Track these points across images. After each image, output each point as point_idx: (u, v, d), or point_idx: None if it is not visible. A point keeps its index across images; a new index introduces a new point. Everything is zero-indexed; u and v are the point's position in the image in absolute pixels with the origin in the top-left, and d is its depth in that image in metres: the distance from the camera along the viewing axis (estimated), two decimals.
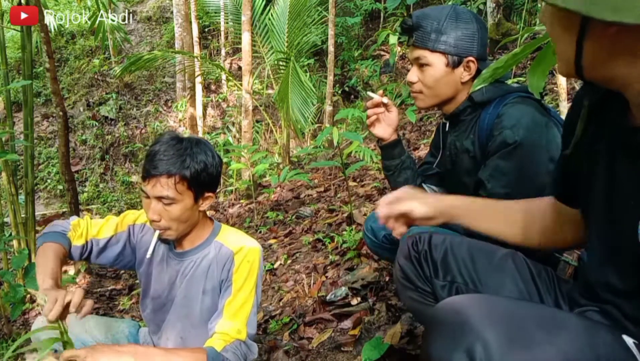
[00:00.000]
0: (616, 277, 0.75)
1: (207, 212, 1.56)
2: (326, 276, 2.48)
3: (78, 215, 3.60)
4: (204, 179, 1.38)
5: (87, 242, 1.50)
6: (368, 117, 1.58)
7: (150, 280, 1.56)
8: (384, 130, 1.58)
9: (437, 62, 1.37)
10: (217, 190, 1.48)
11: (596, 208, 0.82)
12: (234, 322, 1.39)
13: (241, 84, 5.40)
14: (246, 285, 1.43)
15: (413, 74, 1.43)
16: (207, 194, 1.43)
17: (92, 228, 1.53)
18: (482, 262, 1.04)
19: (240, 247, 1.47)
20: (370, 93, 1.59)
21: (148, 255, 1.45)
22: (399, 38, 7.02)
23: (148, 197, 1.36)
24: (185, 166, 1.34)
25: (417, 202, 1.01)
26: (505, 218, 1.04)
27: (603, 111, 0.80)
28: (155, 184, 1.32)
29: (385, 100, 1.55)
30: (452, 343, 0.60)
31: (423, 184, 1.64)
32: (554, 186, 1.03)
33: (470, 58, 1.37)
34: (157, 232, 1.40)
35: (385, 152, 1.62)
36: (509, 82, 1.62)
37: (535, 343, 0.59)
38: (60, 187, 8.20)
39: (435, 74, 1.38)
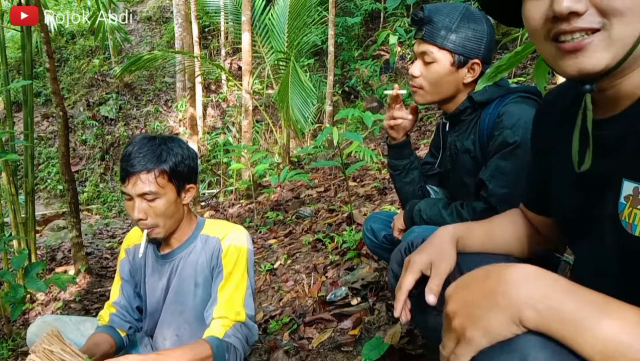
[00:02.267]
0: (608, 279, 0.74)
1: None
2: (326, 276, 2.47)
3: (78, 215, 3.60)
4: (182, 171, 1.40)
5: (117, 310, 1.55)
6: (393, 118, 1.54)
7: (146, 298, 1.57)
8: (400, 131, 1.58)
9: (442, 60, 1.37)
10: (198, 182, 1.51)
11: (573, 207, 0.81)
12: (231, 305, 1.40)
13: (241, 84, 5.40)
14: (237, 268, 1.44)
15: (416, 68, 1.42)
16: (188, 186, 1.45)
17: (110, 301, 1.59)
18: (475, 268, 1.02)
19: (225, 232, 1.49)
20: (386, 92, 1.58)
21: (140, 255, 1.46)
22: (399, 38, 7.02)
23: (130, 198, 1.36)
24: (162, 159, 1.36)
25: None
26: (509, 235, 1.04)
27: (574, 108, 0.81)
28: (135, 182, 1.34)
29: (402, 91, 1.54)
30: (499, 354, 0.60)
31: (425, 185, 1.64)
32: (527, 194, 1.02)
33: (476, 60, 1.36)
34: (145, 232, 1.40)
35: (394, 151, 1.62)
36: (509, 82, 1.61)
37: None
38: (60, 187, 8.20)
39: (440, 71, 1.38)
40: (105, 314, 1.54)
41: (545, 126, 0.90)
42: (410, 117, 1.54)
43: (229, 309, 1.39)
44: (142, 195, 1.34)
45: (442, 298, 1.03)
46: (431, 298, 0.88)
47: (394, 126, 1.56)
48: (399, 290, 0.93)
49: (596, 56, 0.64)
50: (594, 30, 0.63)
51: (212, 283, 1.47)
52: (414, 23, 1.41)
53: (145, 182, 1.33)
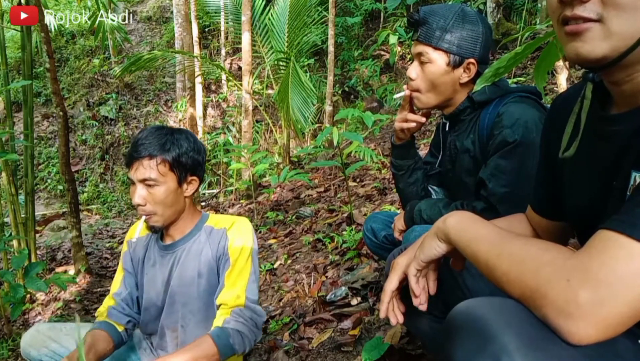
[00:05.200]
0: None
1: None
2: (326, 276, 2.48)
3: (78, 215, 3.60)
4: (185, 162, 1.43)
5: (117, 303, 1.55)
6: (406, 120, 1.53)
7: (143, 291, 1.57)
8: (408, 132, 1.58)
9: (438, 60, 1.37)
10: (203, 176, 1.55)
11: (583, 208, 0.81)
12: (232, 290, 1.43)
13: (241, 84, 5.40)
14: (242, 255, 1.46)
15: (413, 70, 1.43)
16: (190, 178, 1.47)
17: (110, 294, 1.59)
18: (470, 271, 1.02)
19: (231, 223, 1.52)
20: (397, 95, 1.57)
21: (133, 239, 1.49)
22: (399, 38, 7.02)
23: (133, 183, 1.41)
24: (166, 148, 1.40)
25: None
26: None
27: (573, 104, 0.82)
28: (138, 167, 1.38)
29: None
30: (476, 351, 0.60)
31: (426, 185, 1.64)
32: (537, 199, 0.99)
33: (471, 60, 1.37)
34: (143, 218, 1.44)
35: (400, 151, 1.61)
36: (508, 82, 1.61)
37: (557, 346, 0.58)
38: (60, 187, 8.21)
39: (436, 71, 1.38)
40: (104, 308, 1.55)
41: (556, 127, 0.89)
42: (423, 120, 1.53)
43: (230, 294, 1.42)
44: (142, 181, 1.39)
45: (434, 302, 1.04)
46: (416, 300, 0.89)
47: (406, 128, 1.55)
48: (383, 292, 0.95)
49: (592, 43, 0.65)
50: (593, 21, 0.64)
51: (219, 272, 1.49)
52: (410, 25, 1.42)
53: (147, 168, 1.38)
